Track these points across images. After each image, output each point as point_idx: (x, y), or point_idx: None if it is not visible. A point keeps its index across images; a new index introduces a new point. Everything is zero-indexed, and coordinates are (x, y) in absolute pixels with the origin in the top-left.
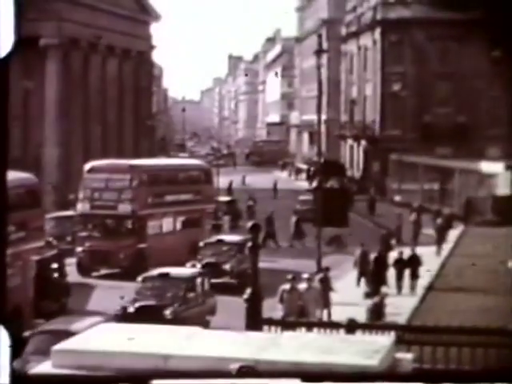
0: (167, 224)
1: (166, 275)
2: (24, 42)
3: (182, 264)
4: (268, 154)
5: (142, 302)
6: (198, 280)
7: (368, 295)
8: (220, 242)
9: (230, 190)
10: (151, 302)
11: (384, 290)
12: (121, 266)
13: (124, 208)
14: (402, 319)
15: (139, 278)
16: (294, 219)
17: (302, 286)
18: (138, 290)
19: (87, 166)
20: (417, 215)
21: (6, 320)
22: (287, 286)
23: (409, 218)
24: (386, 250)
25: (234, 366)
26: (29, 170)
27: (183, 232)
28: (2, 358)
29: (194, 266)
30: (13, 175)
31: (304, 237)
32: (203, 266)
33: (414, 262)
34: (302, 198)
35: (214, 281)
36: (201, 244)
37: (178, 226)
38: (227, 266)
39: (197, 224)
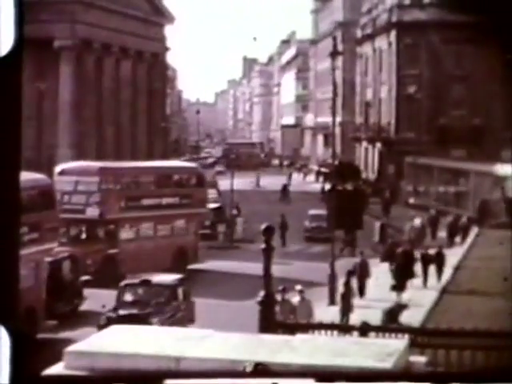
0: (146, 228)
1: None
2: (38, 43)
3: (165, 270)
4: (243, 158)
5: None
6: None
7: (394, 288)
8: (146, 283)
9: (284, 192)
10: None
11: (405, 299)
12: (88, 272)
13: (92, 212)
14: (424, 310)
15: None
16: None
17: (295, 298)
18: None
19: (58, 169)
20: (425, 221)
21: (8, 320)
22: (297, 298)
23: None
24: (390, 259)
25: (250, 364)
26: (42, 171)
27: (167, 237)
28: (2, 357)
29: (109, 320)
30: (26, 176)
31: None
32: (119, 319)
33: (440, 258)
34: (313, 212)
35: None
36: (121, 284)
37: (161, 230)
38: (155, 320)
39: (184, 229)
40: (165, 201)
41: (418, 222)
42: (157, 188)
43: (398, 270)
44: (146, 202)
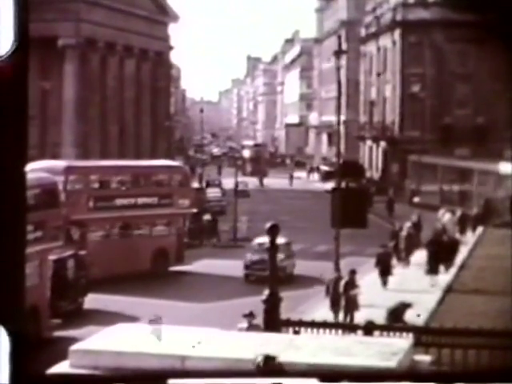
0: (119, 229)
1: None
2: (42, 42)
3: (143, 272)
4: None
5: None
6: None
7: (429, 271)
8: None
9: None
10: None
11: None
12: None
13: None
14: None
15: None
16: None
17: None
18: None
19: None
20: (412, 229)
21: (8, 320)
22: (244, 325)
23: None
24: (384, 271)
25: (260, 358)
26: None
27: (145, 238)
28: (2, 357)
29: None
30: (31, 175)
31: None
32: None
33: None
34: (260, 240)
35: None
36: None
37: (137, 231)
38: None
39: (165, 229)
40: (141, 201)
41: (408, 225)
42: (132, 188)
43: (432, 255)
44: (119, 202)
